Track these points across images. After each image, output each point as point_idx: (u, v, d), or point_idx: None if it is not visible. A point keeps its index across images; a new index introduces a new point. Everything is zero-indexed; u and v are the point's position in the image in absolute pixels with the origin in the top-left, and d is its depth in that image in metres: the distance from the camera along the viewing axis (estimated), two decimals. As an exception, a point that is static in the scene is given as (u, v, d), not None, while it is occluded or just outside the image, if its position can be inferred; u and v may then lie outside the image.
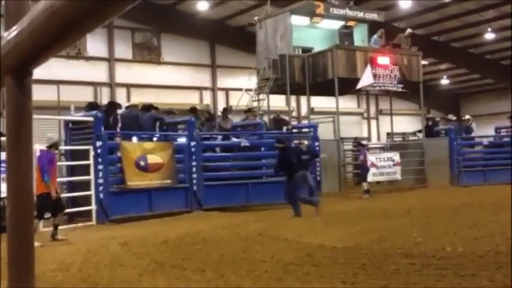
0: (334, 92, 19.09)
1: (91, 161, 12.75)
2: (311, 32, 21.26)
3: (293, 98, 25.15)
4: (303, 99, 25.55)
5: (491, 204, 12.84)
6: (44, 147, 10.50)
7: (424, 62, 22.35)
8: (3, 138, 7.36)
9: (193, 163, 14.58)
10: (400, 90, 20.74)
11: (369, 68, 19.13)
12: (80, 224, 12.50)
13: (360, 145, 19.97)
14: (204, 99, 25.85)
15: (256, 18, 21.08)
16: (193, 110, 16.39)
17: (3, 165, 9.70)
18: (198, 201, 14.53)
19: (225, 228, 11.06)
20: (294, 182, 12.83)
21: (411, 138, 23.38)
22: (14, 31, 1.45)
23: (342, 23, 21.16)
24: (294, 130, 18.98)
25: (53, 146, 10.59)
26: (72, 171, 13.52)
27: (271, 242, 9.00)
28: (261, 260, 7.38)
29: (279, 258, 7.40)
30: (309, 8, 20.03)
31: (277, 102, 21.67)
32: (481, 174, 20.39)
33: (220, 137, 16.59)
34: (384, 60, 19.82)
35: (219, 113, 19.60)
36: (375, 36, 20.56)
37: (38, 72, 1.57)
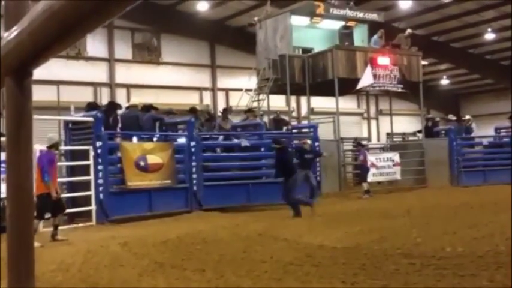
0: (334, 92, 19.09)
1: (91, 161, 12.75)
2: (311, 33, 21.26)
3: (293, 98, 25.15)
4: (303, 99, 25.56)
5: (491, 204, 12.84)
6: (44, 147, 10.50)
7: (424, 62, 22.36)
8: (3, 139, 7.36)
9: (193, 163, 14.57)
10: (400, 90, 20.74)
11: (368, 68, 19.13)
12: (79, 225, 12.50)
13: (359, 145, 19.98)
14: (204, 99, 25.84)
15: (256, 18, 21.07)
16: (193, 111, 16.38)
17: (3, 165, 9.70)
18: (198, 202, 14.53)
19: (225, 228, 11.07)
20: (290, 182, 12.82)
21: (411, 138, 23.38)
22: (14, 31, 1.45)
23: (342, 23, 21.16)
24: (294, 130, 18.99)
25: (53, 146, 10.59)
26: (72, 171, 13.52)
27: (271, 242, 9.00)
28: (261, 260, 7.38)
29: (279, 258, 7.40)
30: (309, 8, 20.03)
31: (277, 102, 21.67)
32: (481, 174, 20.39)
33: (221, 137, 16.59)
34: (383, 60, 19.82)
35: (219, 114, 19.60)
36: (374, 37, 20.56)
37: (38, 73, 1.57)
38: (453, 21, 25.34)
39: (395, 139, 23.42)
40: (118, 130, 14.33)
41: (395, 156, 19.50)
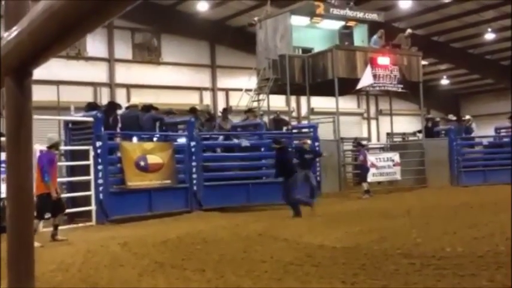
0: (334, 92, 19.09)
1: (91, 161, 12.75)
2: (311, 33, 21.26)
3: (293, 99, 25.15)
4: (303, 99, 25.56)
5: (491, 204, 12.85)
6: (44, 147, 10.50)
7: (424, 62, 22.36)
8: (3, 139, 7.36)
9: (193, 163, 14.57)
10: (400, 90, 20.74)
11: (368, 68, 19.13)
12: (79, 225, 12.50)
13: (359, 145, 19.97)
14: (204, 99, 25.84)
15: (256, 18, 21.08)
16: (193, 111, 16.38)
17: (3, 165, 9.70)
18: (198, 202, 14.53)
19: (225, 228, 11.07)
20: (290, 182, 12.81)
21: (411, 138, 23.38)
22: (14, 32, 1.45)
23: (342, 23, 21.17)
24: (294, 130, 18.99)
25: (54, 146, 10.58)
26: (72, 171, 13.52)
27: (271, 242, 9.00)
28: (261, 260, 7.38)
29: (279, 258, 7.40)
30: (309, 8, 20.03)
31: (277, 102, 21.68)
32: (480, 174, 20.39)
33: (221, 137, 16.59)
34: (383, 60, 19.82)
35: (219, 114, 19.60)
36: (374, 37, 20.56)
37: (38, 73, 1.57)
38: (453, 21, 25.34)
39: (395, 139, 23.43)
40: (118, 130, 14.33)
41: (395, 156, 19.50)
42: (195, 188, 14.48)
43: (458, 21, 25.41)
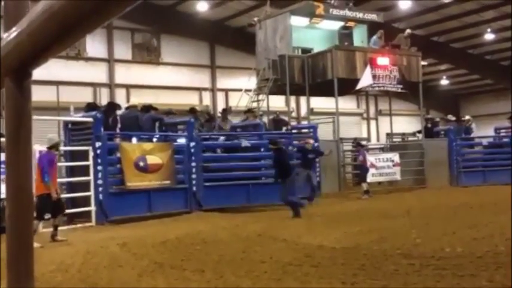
0: (334, 92, 19.09)
1: (90, 162, 12.74)
2: (311, 33, 21.26)
3: (293, 99, 25.17)
4: (303, 99, 25.57)
5: (491, 204, 12.85)
6: (44, 148, 10.49)
7: (423, 63, 22.36)
8: (2, 139, 7.36)
9: (193, 164, 14.56)
10: (399, 90, 20.75)
11: (368, 68, 19.14)
12: (79, 225, 12.49)
13: (359, 145, 19.97)
14: (204, 99, 25.83)
15: (255, 18, 21.08)
16: (192, 111, 16.37)
17: (2, 166, 9.70)
18: (198, 202, 14.52)
19: (225, 229, 11.07)
20: (288, 183, 12.80)
21: (411, 138, 23.36)
22: (13, 32, 1.45)
23: (342, 23, 21.17)
24: (294, 131, 18.98)
25: (54, 146, 10.58)
26: (71, 172, 13.52)
27: (271, 242, 9.00)
28: (260, 260, 7.38)
29: (278, 258, 7.40)
30: (309, 8, 20.04)
31: (277, 102, 21.67)
32: (480, 174, 20.40)
33: (221, 137, 16.58)
34: (383, 60, 19.82)
35: (219, 114, 19.59)
36: (374, 37, 20.56)
37: (38, 73, 1.58)
38: (453, 22, 25.34)
39: (394, 139, 23.41)
40: (117, 130, 14.31)
41: (395, 157, 19.50)
42: (194, 188, 14.47)
43: (458, 22, 25.42)
